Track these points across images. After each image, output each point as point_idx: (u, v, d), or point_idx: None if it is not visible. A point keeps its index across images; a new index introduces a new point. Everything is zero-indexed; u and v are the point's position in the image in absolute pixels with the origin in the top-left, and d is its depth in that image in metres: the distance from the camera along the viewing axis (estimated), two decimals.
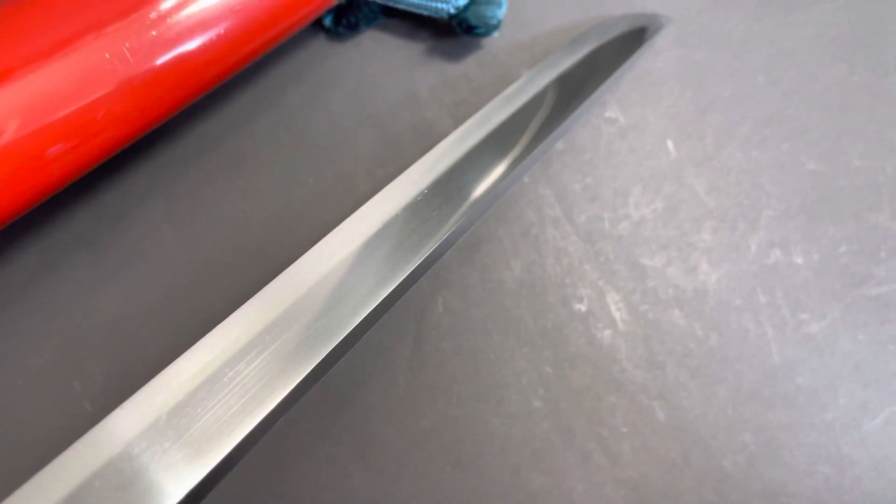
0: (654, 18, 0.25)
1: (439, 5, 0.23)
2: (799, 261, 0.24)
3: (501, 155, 0.21)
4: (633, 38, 0.24)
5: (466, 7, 0.23)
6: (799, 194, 0.24)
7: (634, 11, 0.26)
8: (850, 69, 0.26)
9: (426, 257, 0.19)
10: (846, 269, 0.24)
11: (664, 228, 0.24)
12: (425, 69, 0.24)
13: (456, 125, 0.24)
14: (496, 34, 0.24)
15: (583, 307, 0.23)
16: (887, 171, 0.25)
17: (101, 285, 0.21)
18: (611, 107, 0.25)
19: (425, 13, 0.23)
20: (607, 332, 0.23)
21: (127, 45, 0.18)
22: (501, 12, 0.23)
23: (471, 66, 0.25)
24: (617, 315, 0.23)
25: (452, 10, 0.23)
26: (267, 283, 0.18)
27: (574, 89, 0.23)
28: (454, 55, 0.25)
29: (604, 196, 0.24)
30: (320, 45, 0.24)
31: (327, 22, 0.23)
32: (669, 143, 0.24)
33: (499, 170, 0.21)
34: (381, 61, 0.24)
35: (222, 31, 0.20)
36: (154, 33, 0.19)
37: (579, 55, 0.24)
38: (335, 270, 0.18)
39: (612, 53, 0.24)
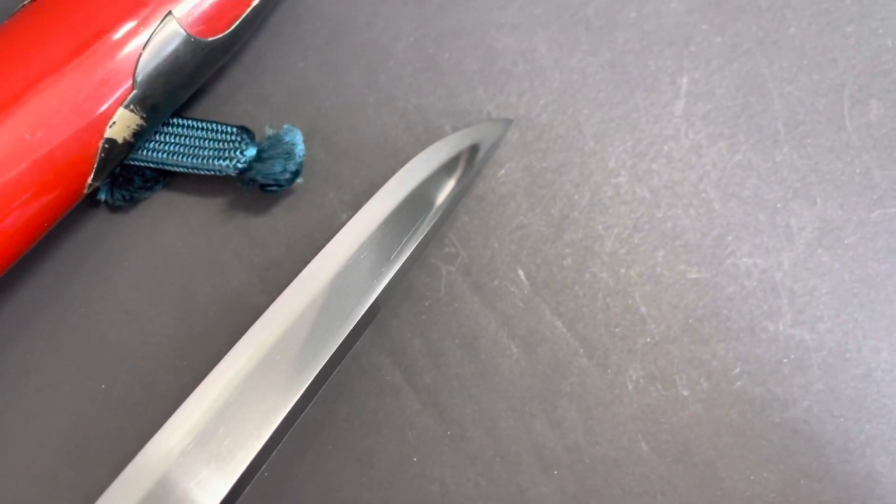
0: (490, 127, 0.21)
1: (221, 163, 0.19)
2: (685, 393, 0.20)
3: (328, 323, 0.18)
4: (467, 156, 0.21)
5: (251, 164, 0.19)
6: (680, 311, 0.21)
7: (467, 120, 0.22)
8: (731, 147, 0.22)
9: (246, 468, 0.17)
10: (742, 395, 0.20)
11: (522, 377, 0.20)
12: (226, 228, 0.21)
13: (269, 292, 0.21)
14: (300, 180, 0.20)
15: (436, 488, 0.20)
16: (784, 267, 0.21)
17: None
18: (449, 240, 0.21)
19: (208, 173, 0.20)
20: None
21: None
22: (294, 163, 0.20)
23: (280, 216, 0.21)
24: (474, 493, 0.20)
25: (240, 166, 0.19)
26: None
27: (403, 231, 0.20)
28: (259, 206, 0.21)
29: (449, 350, 0.21)
30: (101, 220, 0.21)
31: (103, 196, 0.20)
32: (521, 273, 0.21)
33: (327, 342, 0.18)
34: (173, 227, 0.21)
35: None
36: None
37: (405, 190, 0.20)
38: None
39: (443, 180, 0.20)
